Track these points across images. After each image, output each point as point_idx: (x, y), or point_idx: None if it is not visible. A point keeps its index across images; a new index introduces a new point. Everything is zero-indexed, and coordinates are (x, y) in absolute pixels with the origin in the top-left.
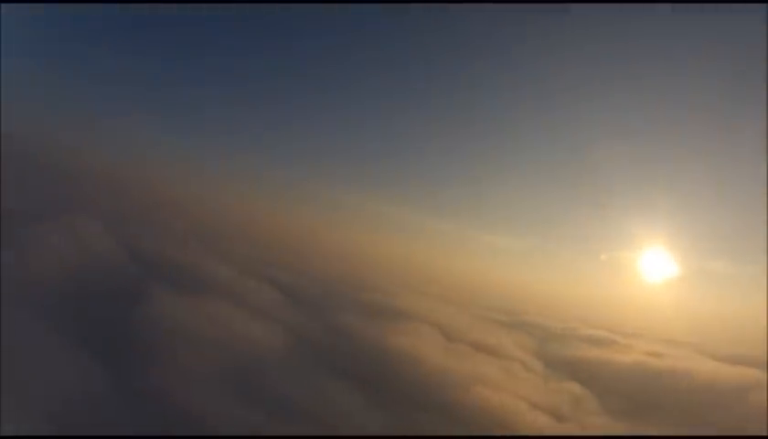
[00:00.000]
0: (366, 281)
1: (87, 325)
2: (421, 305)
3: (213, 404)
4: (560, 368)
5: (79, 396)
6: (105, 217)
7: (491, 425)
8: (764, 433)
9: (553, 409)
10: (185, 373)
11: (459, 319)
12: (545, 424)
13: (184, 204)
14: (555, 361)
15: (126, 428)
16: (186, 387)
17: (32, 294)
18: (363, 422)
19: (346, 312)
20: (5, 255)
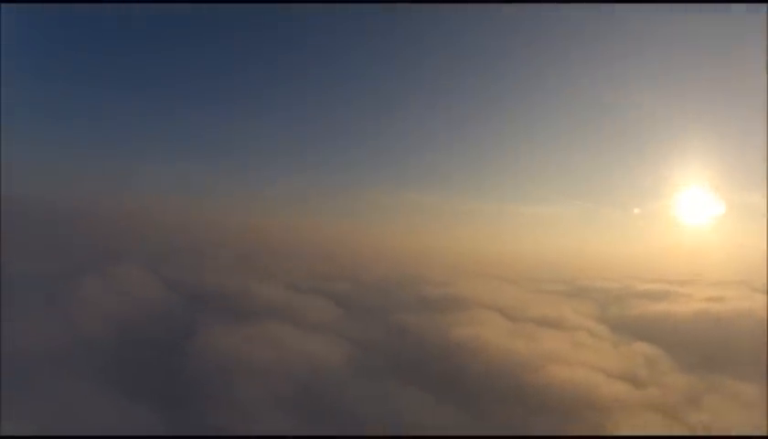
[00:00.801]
0: (416, 275)
1: (142, 374)
2: (475, 290)
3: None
4: (625, 329)
5: None
6: (146, 259)
7: (572, 404)
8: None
9: (629, 374)
10: (248, 405)
11: (515, 297)
12: (626, 393)
13: (220, 231)
14: (619, 323)
15: None
16: (252, 420)
17: (84, 352)
18: (441, 425)
19: (404, 311)
20: (51, 316)
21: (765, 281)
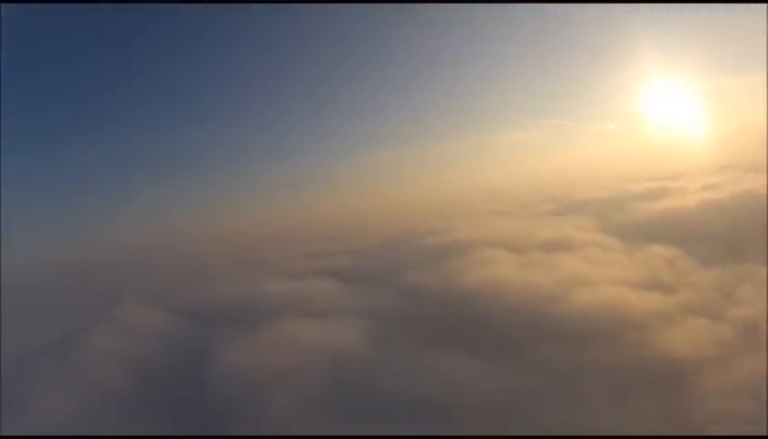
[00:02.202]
0: (411, 231)
1: (165, 410)
2: (473, 230)
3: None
4: (633, 235)
5: None
6: (144, 292)
7: (610, 328)
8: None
9: (654, 281)
10: (284, 415)
11: (515, 228)
12: (659, 302)
13: (208, 240)
14: (626, 230)
15: None
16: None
17: (104, 398)
18: (482, 385)
19: (410, 270)
20: (65, 380)
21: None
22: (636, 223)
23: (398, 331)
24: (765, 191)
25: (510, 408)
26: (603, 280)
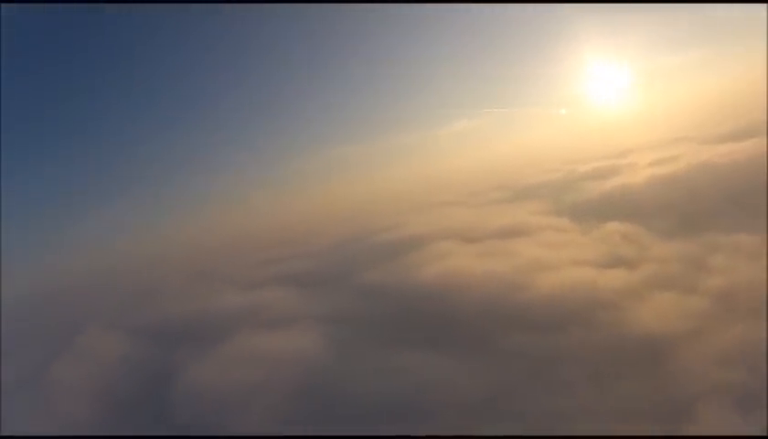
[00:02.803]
0: (364, 229)
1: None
2: (426, 223)
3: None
4: (587, 215)
5: None
6: (109, 316)
7: (579, 311)
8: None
9: (616, 258)
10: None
11: (467, 218)
12: (625, 279)
13: (161, 257)
14: (579, 211)
15: None
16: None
17: (72, 431)
18: (457, 382)
19: (367, 269)
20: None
21: (703, 132)
22: (589, 203)
23: (361, 333)
24: (719, 161)
25: (490, 402)
26: (564, 262)
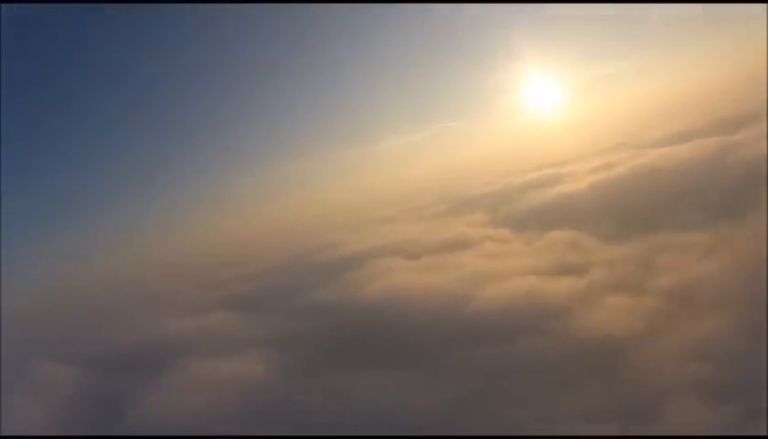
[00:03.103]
0: (303, 248)
1: None
2: (366, 240)
3: None
4: (528, 225)
5: None
6: (57, 347)
7: (531, 321)
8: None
9: (562, 266)
10: None
11: (406, 233)
12: (573, 285)
13: (107, 281)
14: (519, 221)
15: None
16: None
17: None
18: (410, 402)
19: (312, 288)
20: None
21: (641, 137)
22: (530, 212)
23: (308, 355)
24: (661, 164)
25: (448, 420)
26: (509, 272)
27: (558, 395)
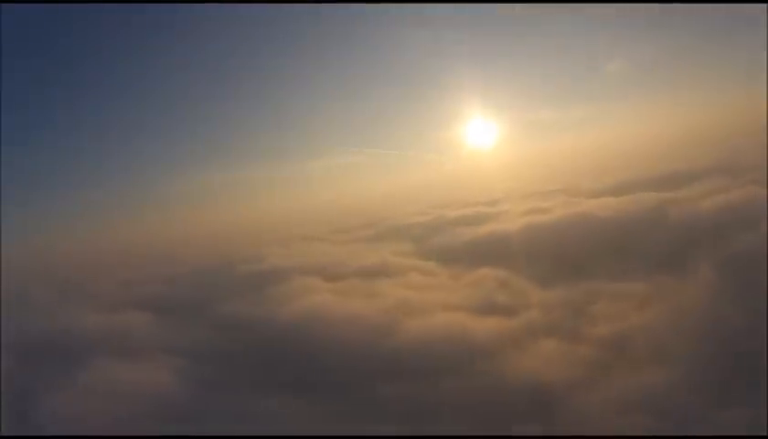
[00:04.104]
0: (226, 258)
1: None
2: (288, 257)
3: None
4: (456, 260)
5: None
6: None
7: (454, 359)
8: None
9: (490, 305)
10: None
11: (330, 255)
12: (500, 326)
13: (33, 268)
14: (447, 255)
15: None
16: None
17: None
18: (312, 431)
19: (228, 300)
20: None
21: (579, 186)
22: (458, 247)
23: (217, 371)
24: (598, 213)
25: None
26: (433, 306)
27: None
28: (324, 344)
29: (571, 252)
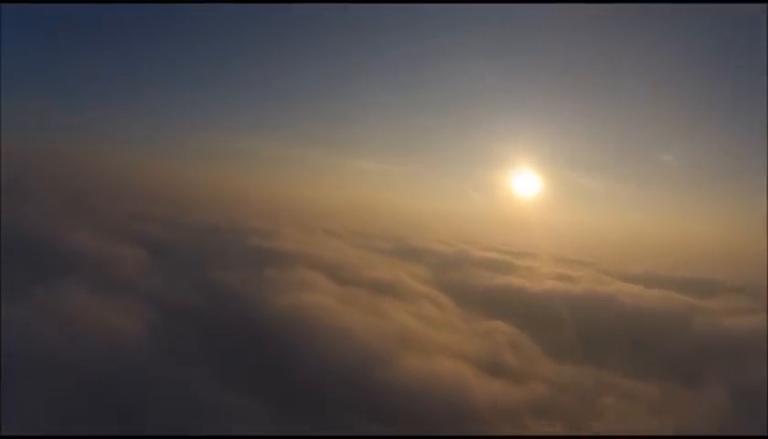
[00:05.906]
0: (241, 224)
1: None
2: (301, 244)
3: None
4: (471, 302)
5: None
6: None
7: (444, 414)
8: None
9: (497, 364)
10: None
11: (343, 254)
12: (504, 393)
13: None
14: (463, 294)
15: None
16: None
17: None
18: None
19: (222, 266)
20: None
21: (611, 265)
22: (475, 289)
23: (187, 339)
24: (624, 299)
25: None
26: (437, 347)
27: None
28: (304, 350)
29: (590, 331)
